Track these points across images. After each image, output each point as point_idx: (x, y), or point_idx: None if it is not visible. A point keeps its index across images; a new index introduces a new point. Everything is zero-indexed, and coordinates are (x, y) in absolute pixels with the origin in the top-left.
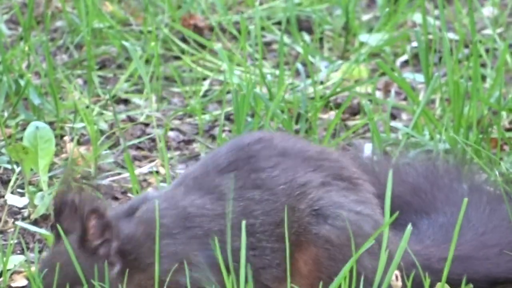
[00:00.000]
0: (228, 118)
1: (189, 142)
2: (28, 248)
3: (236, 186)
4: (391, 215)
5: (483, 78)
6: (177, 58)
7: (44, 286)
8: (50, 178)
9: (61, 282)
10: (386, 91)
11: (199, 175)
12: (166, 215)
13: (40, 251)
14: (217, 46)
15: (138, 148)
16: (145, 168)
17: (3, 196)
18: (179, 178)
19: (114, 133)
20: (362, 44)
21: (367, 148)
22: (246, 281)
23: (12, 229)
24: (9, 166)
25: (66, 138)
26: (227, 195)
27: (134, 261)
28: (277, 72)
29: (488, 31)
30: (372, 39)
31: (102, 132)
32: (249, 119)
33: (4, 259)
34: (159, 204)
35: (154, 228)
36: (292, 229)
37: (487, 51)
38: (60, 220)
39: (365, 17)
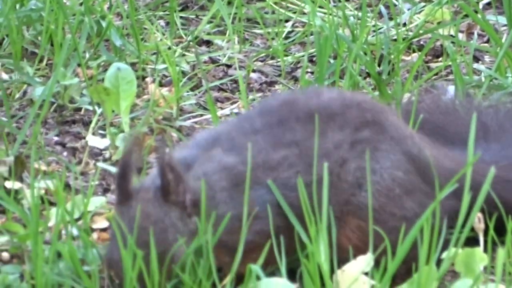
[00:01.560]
0: (310, 60)
1: (271, 83)
2: (109, 190)
3: (272, 141)
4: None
5: None
6: None
7: (138, 248)
8: (132, 119)
9: (158, 241)
10: (469, 33)
11: (235, 136)
12: (221, 178)
13: None
14: None
15: (220, 89)
16: (227, 109)
17: (85, 138)
18: (208, 139)
19: (196, 74)
20: None
21: (450, 90)
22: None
23: (93, 171)
24: (90, 108)
25: (148, 79)
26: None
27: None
28: (360, 14)
29: None
30: None
31: (184, 73)
32: (332, 61)
33: (85, 200)
34: (206, 166)
35: (214, 192)
36: (336, 206)
37: None
38: (124, 182)
39: None
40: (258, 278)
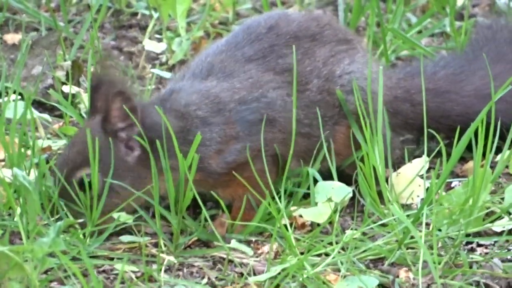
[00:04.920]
0: None
1: None
2: None
3: (265, 69)
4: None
5: None
6: None
7: (59, 160)
8: (188, 23)
9: (73, 159)
10: None
11: (228, 64)
12: (201, 107)
13: None
14: None
15: None
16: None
17: (141, 42)
18: (203, 69)
19: None
20: None
21: None
22: None
23: (150, 75)
24: (147, 12)
25: None
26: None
27: (157, 148)
28: None
29: None
30: None
31: None
32: None
33: None
34: (191, 95)
35: (187, 121)
36: (333, 116)
37: None
38: (95, 97)
39: None
40: (315, 181)
